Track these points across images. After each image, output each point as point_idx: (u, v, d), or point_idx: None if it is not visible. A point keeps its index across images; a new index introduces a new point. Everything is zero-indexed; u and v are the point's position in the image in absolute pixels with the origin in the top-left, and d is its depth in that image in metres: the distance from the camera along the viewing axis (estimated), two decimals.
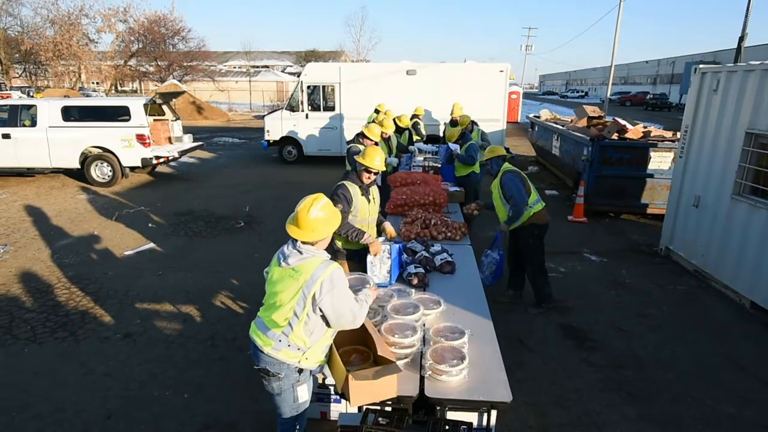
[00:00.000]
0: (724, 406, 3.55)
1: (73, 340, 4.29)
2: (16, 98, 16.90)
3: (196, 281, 5.56)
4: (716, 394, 3.68)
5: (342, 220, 2.71)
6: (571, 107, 26.57)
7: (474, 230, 5.81)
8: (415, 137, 9.23)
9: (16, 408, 3.39)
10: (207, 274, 5.76)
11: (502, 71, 12.12)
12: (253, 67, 41.28)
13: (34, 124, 9.77)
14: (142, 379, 3.75)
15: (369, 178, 3.80)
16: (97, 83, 35.62)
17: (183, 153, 10.93)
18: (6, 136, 9.71)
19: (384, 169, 3.89)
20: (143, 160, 9.81)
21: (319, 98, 12.69)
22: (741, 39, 17.97)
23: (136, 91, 36.74)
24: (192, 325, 4.59)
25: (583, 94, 68.66)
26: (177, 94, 12.08)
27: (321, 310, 2.28)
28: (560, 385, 3.75)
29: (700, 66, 6.13)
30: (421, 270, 3.54)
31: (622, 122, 8.73)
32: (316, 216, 2.33)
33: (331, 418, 3.06)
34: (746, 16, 17.81)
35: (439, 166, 6.97)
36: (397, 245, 3.57)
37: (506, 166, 4.79)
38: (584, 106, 11.72)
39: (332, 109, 12.68)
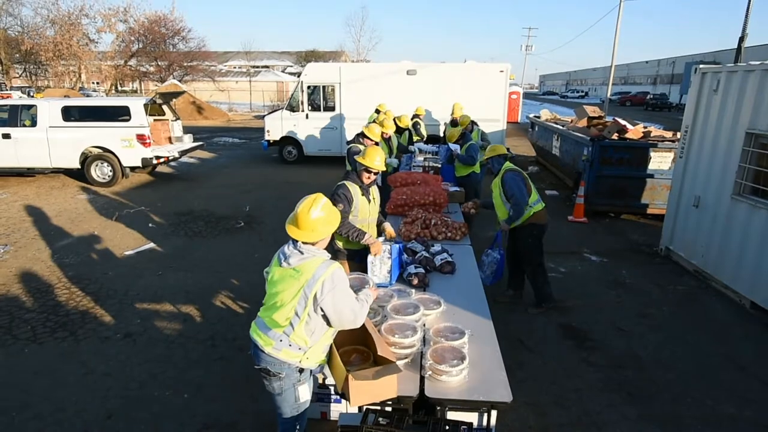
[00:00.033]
0: (724, 406, 3.56)
1: (73, 340, 4.29)
2: (17, 98, 16.94)
3: (196, 281, 5.56)
4: (716, 394, 3.68)
5: (342, 220, 2.72)
6: (571, 107, 26.58)
7: (474, 230, 5.81)
8: (416, 137, 9.23)
9: (16, 408, 3.39)
10: (207, 274, 5.76)
11: (502, 71, 12.12)
12: (253, 67, 41.29)
13: (34, 124, 9.77)
14: (142, 379, 3.75)
15: (369, 178, 3.80)
16: (98, 83, 35.67)
17: (183, 153, 10.94)
18: (6, 136, 9.71)
19: (384, 169, 3.89)
20: (143, 160, 9.81)
21: (320, 98, 12.69)
22: (741, 39, 17.99)
23: (136, 91, 36.76)
24: (192, 325, 4.59)
25: (584, 94, 68.70)
26: (177, 94, 12.09)
27: (322, 310, 2.29)
28: (560, 385, 3.75)
29: (701, 66, 6.13)
30: (422, 270, 3.54)
31: (623, 122, 8.72)
32: (316, 216, 2.33)
33: (332, 418, 3.06)
34: (746, 17, 17.83)
35: (439, 166, 6.97)
36: (397, 245, 3.58)
37: (507, 164, 4.79)
38: (584, 106, 11.73)
39: (332, 109, 12.68)
